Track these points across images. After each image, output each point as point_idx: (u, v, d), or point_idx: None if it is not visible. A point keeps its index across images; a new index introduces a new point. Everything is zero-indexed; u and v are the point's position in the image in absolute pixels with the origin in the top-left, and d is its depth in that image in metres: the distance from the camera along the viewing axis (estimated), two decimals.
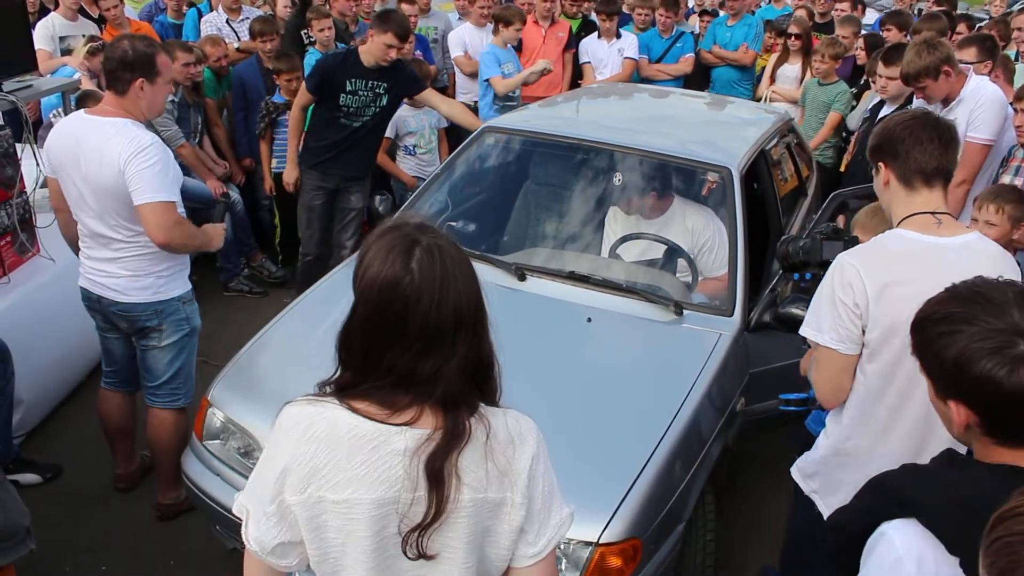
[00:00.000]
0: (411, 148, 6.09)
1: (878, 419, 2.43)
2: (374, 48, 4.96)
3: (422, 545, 1.53)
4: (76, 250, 3.59)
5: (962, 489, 1.43)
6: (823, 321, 2.39)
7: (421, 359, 1.50)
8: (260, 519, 1.60)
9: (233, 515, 3.01)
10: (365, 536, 1.54)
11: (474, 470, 1.54)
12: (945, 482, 1.46)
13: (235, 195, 5.91)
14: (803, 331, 2.47)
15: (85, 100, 4.80)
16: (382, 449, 1.51)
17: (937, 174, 2.37)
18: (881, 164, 2.44)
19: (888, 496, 1.53)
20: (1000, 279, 1.54)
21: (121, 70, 3.26)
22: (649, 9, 7.73)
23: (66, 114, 4.86)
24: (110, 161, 3.21)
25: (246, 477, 3.03)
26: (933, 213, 2.36)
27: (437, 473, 1.50)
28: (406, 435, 1.51)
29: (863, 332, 2.34)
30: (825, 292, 2.38)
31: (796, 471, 2.77)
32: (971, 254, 2.31)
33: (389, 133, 5.84)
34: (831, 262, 2.46)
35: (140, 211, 3.24)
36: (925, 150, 2.35)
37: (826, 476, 2.61)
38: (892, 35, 6.55)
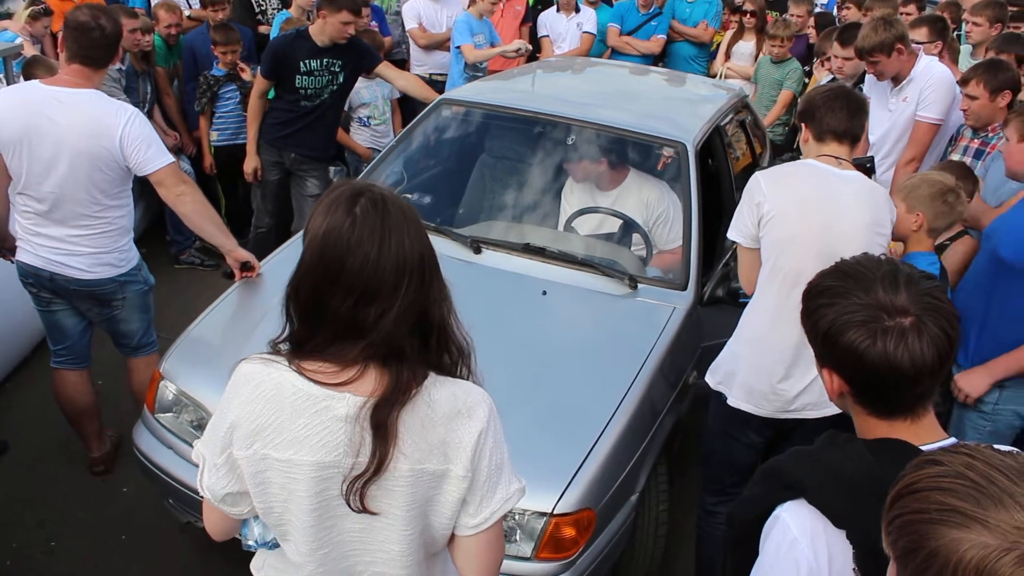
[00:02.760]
0: (365, 119, 6.02)
1: (767, 307, 2.91)
2: (328, 28, 4.88)
3: (363, 498, 1.53)
4: None
5: (843, 465, 1.48)
6: (735, 221, 2.97)
7: (363, 306, 1.50)
8: (212, 469, 1.64)
9: (186, 488, 3.02)
10: (306, 496, 1.56)
11: (416, 435, 1.54)
12: (827, 461, 1.51)
13: (186, 166, 5.81)
14: (729, 232, 3.04)
15: (33, 67, 4.67)
16: (324, 414, 1.53)
17: (845, 135, 2.91)
18: (803, 124, 3.01)
19: (775, 480, 1.57)
20: (883, 256, 1.59)
21: (102, 48, 3.29)
22: None
23: (8, 80, 4.73)
24: (104, 132, 3.23)
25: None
26: (837, 158, 2.90)
27: (380, 425, 1.51)
28: (348, 401, 1.52)
29: (757, 232, 2.88)
30: (742, 200, 2.96)
31: (707, 375, 3.15)
32: (857, 184, 2.87)
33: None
34: None
35: (159, 178, 3.35)
36: (836, 116, 2.89)
37: (728, 367, 3.07)
38: (850, 14, 6.60)
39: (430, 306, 1.57)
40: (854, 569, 1.39)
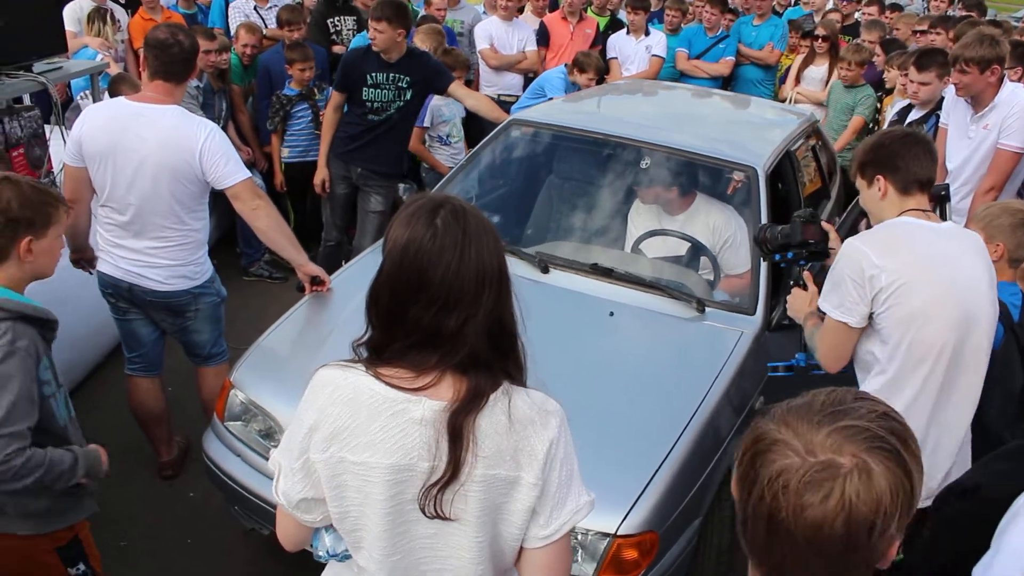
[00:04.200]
0: (445, 137, 6.07)
1: (904, 390, 2.61)
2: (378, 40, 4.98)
3: (439, 503, 1.55)
4: (80, 243, 3.63)
5: None
6: (834, 297, 2.64)
7: (444, 315, 1.54)
8: (288, 474, 1.67)
9: (252, 495, 3.07)
10: (381, 499, 1.58)
11: (489, 441, 1.56)
12: None
13: (259, 180, 5.93)
14: (820, 303, 2.73)
15: (119, 84, 4.84)
16: (400, 417, 1.55)
17: (929, 184, 2.69)
18: (880, 177, 2.68)
19: None
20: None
21: (181, 63, 3.41)
22: (679, 12, 7.72)
23: (95, 97, 4.90)
24: (185, 146, 3.33)
25: (266, 458, 3.08)
26: (924, 210, 2.67)
27: (456, 431, 1.53)
28: (424, 405, 1.54)
29: (870, 309, 2.58)
30: (837, 271, 2.64)
31: None
32: (959, 236, 2.70)
33: (425, 122, 5.85)
34: (810, 242, 2.99)
35: (236, 192, 3.45)
36: (921, 164, 2.65)
37: None
38: (940, 39, 6.48)
39: (505, 315, 1.60)
40: None
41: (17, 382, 2.21)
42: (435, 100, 5.71)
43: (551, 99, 6.01)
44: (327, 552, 1.77)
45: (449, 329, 1.54)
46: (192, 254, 3.57)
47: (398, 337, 1.58)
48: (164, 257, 3.49)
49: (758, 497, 1.12)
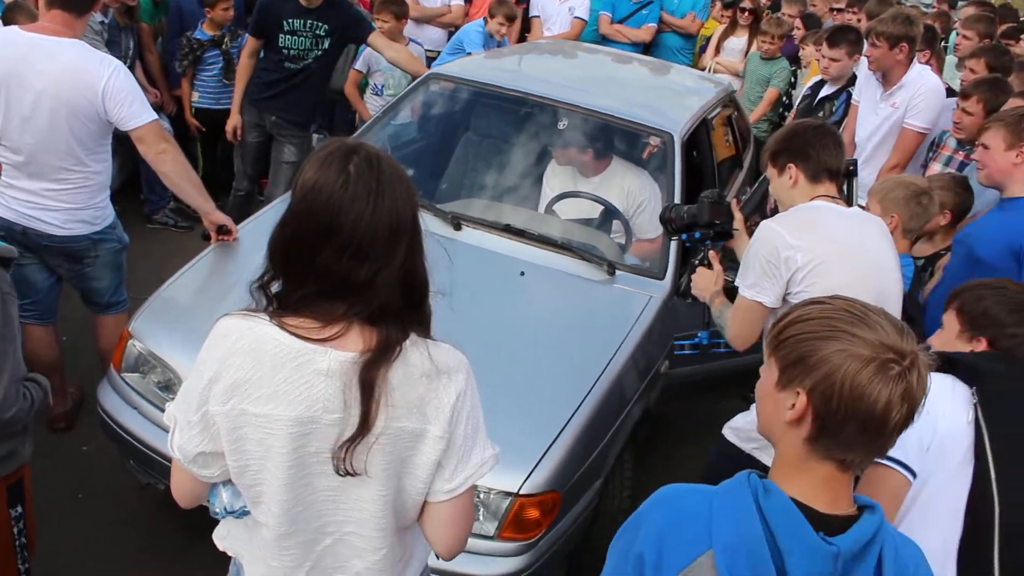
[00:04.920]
0: (379, 88, 5.91)
1: None
2: None
3: (349, 461, 1.53)
4: None
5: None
6: (749, 276, 2.69)
7: (355, 264, 1.50)
8: (185, 427, 1.61)
9: (148, 449, 2.99)
10: (283, 452, 1.54)
11: (398, 394, 1.54)
12: None
13: (166, 124, 5.71)
14: (738, 283, 2.77)
15: (13, 13, 4.56)
16: (305, 368, 1.51)
17: (838, 173, 2.77)
18: (792, 165, 2.75)
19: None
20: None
21: None
22: None
23: None
24: (87, 82, 3.17)
25: (164, 411, 3.00)
26: (832, 197, 2.74)
27: (368, 384, 1.50)
28: (330, 356, 1.51)
29: (785, 289, 2.64)
30: (753, 253, 2.69)
31: (731, 432, 2.95)
32: (867, 220, 2.79)
33: (361, 67, 5.70)
34: (716, 223, 3.06)
35: (141, 134, 3.29)
36: (831, 153, 2.74)
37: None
38: (855, 18, 6.57)
39: (417, 267, 1.57)
40: (973, 395, 2.02)
41: (13, 328, 2.29)
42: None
43: (470, 54, 5.96)
44: (224, 509, 1.71)
45: (360, 279, 1.50)
46: (92, 198, 3.41)
47: (303, 284, 1.53)
48: (62, 200, 3.33)
49: (834, 382, 1.31)
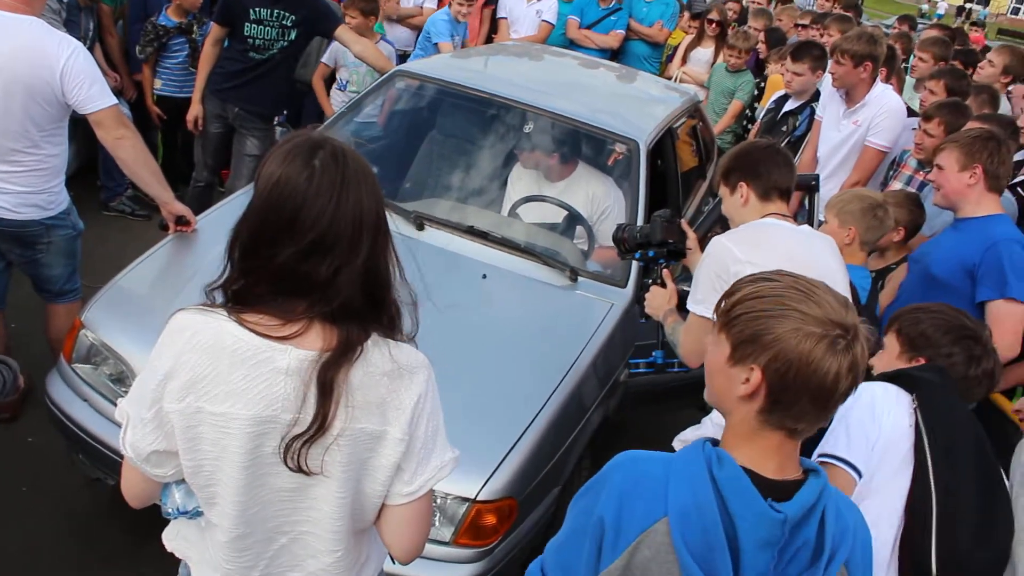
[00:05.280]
0: (342, 83, 5.86)
1: None
2: None
3: (302, 457, 1.50)
4: None
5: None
6: (699, 293, 2.66)
7: (316, 260, 1.47)
8: (138, 424, 1.56)
9: (98, 443, 2.92)
10: (239, 452, 1.51)
11: (358, 395, 1.52)
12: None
13: (126, 110, 5.60)
14: (688, 303, 2.75)
15: None
16: (265, 366, 1.48)
17: (788, 192, 2.80)
18: (743, 184, 2.78)
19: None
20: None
21: None
22: None
23: None
24: (44, 63, 3.08)
25: (115, 404, 2.93)
26: (782, 215, 2.77)
27: (327, 384, 1.48)
28: (290, 354, 1.48)
29: None
30: (703, 269, 2.68)
31: (680, 444, 2.92)
32: (817, 237, 2.83)
33: (327, 60, 5.63)
34: (669, 242, 3.07)
35: (99, 118, 3.21)
36: (781, 172, 2.76)
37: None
38: (818, 35, 6.66)
39: (380, 265, 1.54)
40: (913, 402, 2.17)
41: None
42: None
43: (437, 44, 5.97)
44: (176, 509, 1.67)
45: (321, 276, 1.47)
46: (47, 182, 3.32)
47: (262, 280, 1.50)
48: (14, 183, 3.24)
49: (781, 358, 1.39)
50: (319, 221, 1.46)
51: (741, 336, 1.44)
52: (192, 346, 1.49)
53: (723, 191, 2.88)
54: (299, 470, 1.52)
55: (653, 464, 1.48)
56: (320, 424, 1.49)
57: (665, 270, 3.11)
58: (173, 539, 1.79)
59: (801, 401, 1.41)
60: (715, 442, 1.49)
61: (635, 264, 3.68)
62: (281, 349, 1.48)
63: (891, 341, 2.44)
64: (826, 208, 3.51)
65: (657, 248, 3.12)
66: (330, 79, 5.96)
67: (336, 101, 5.89)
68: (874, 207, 3.41)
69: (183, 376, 1.50)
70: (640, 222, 3.79)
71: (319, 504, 1.59)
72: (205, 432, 1.51)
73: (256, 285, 1.51)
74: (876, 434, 2.12)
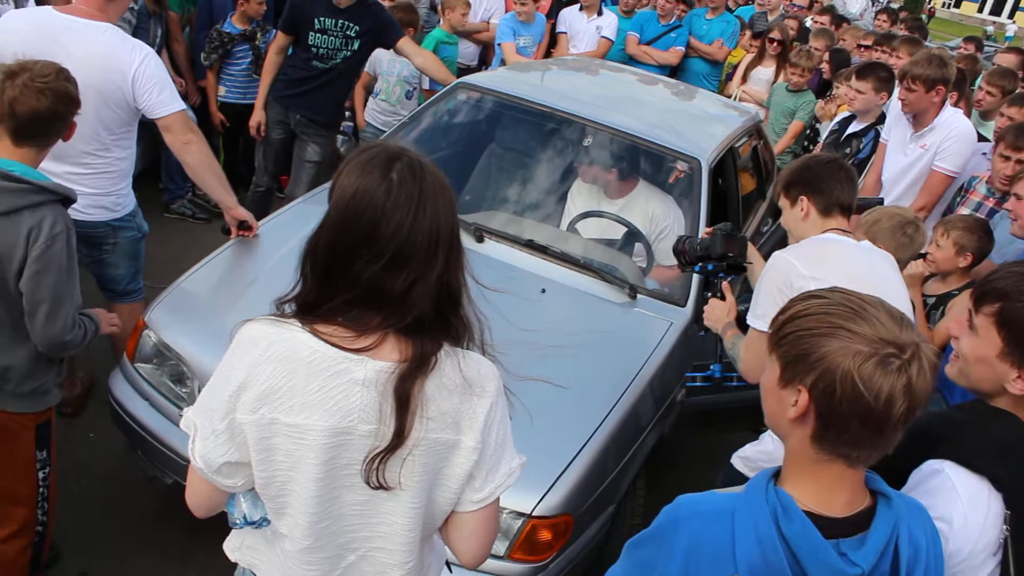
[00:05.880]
0: (377, 92, 5.93)
1: None
2: None
3: (381, 474, 1.50)
4: None
5: (1006, 435, 1.70)
6: (759, 307, 2.61)
7: (392, 274, 1.46)
8: (208, 436, 1.55)
9: (157, 442, 2.95)
10: (313, 463, 1.50)
11: (433, 406, 1.51)
12: (993, 430, 1.71)
13: (190, 115, 5.68)
14: (748, 318, 2.70)
15: None
16: (341, 377, 1.47)
17: (850, 209, 2.76)
18: (804, 198, 2.74)
19: (923, 440, 1.68)
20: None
21: None
22: None
23: (17, 3, 4.61)
24: (117, 68, 3.16)
25: (175, 404, 2.97)
26: (844, 231, 2.72)
27: (404, 396, 1.47)
28: (367, 365, 1.47)
29: None
30: (765, 283, 2.63)
31: (740, 461, 2.89)
32: (878, 253, 2.77)
33: (368, 68, 5.70)
34: (729, 255, 3.03)
35: (168, 123, 3.29)
36: (843, 188, 2.72)
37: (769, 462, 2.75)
38: (883, 56, 6.54)
39: (453, 279, 1.53)
40: (1005, 528, 1.64)
41: (75, 262, 2.53)
42: (379, 51, 5.54)
43: (500, 45, 6.18)
44: (244, 518, 1.65)
45: (396, 289, 1.46)
46: (114, 184, 3.39)
47: (337, 292, 1.49)
48: (84, 185, 3.30)
49: (830, 380, 1.31)
50: (396, 235, 1.45)
51: (788, 356, 1.40)
52: (267, 357, 1.48)
53: (783, 203, 2.85)
54: (379, 486, 1.51)
55: (717, 519, 1.41)
56: (398, 436, 1.48)
57: (725, 283, 3.07)
58: (237, 549, 1.78)
59: (852, 425, 1.33)
60: (777, 472, 1.43)
61: (694, 283, 3.65)
62: (357, 360, 1.47)
63: (987, 329, 1.78)
64: (857, 228, 3.43)
65: (717, 261, 3.09)
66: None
67: (368, 109, 5.97)
68: (903, 224, 3.34)
69: (257, 387, 1.49)
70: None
71: (391, 517, 1.58)
72: (279, 443, 1.51)
73: (330, 298, 1.49)
74: (968, 548, 1.66)
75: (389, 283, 1.46)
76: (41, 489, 2.72)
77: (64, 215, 2.51)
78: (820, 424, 1.36)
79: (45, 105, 2.47)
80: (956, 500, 1.63)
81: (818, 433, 1.37)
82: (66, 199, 2.54)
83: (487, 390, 1.57)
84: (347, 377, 1.47)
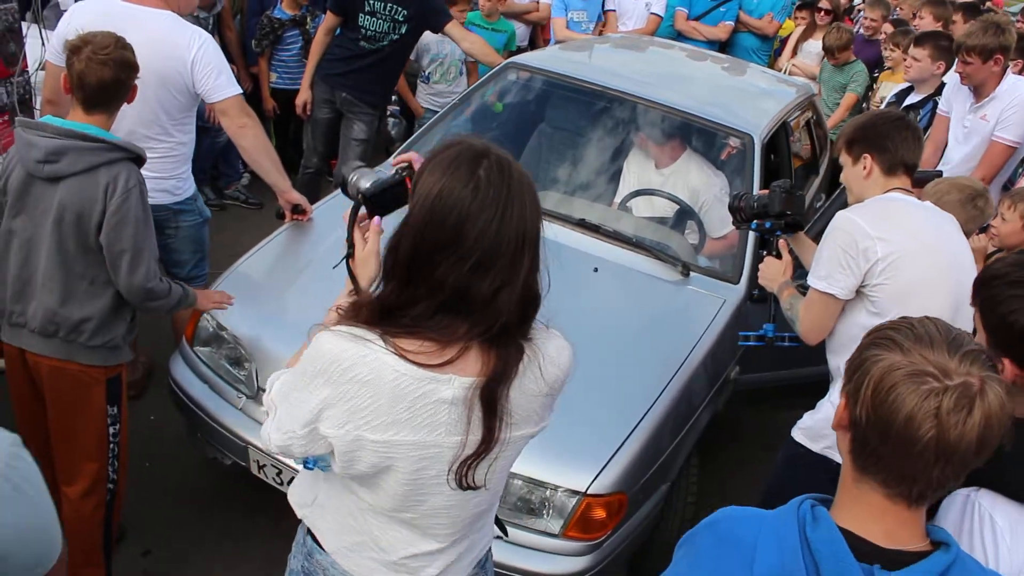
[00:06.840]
0: (425, 75, 5.94)
1: None
2: None
3: (471, 477, 1.52)
4: None
5: None
6: (822, 268, 2.57)
7: (477, 277, 1.41)
8: (287, 433, 1.54)
9: (216, 423, 3.00)
10: (401, 471, 1.51)
11: (520, 409, 1.52)
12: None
13: None
14: (810, 279, 2.64)
15: None
16: (428, 398, 1.44)
17: (914, 168, 2.68)
18: (868, 155, 2.65)
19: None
20: None
21: None
22: None
23: None
24: (177, 54, 3.22)
25: (233, 386, 3.02)
26: (907, 190, 2.65)
27: (491, 407, 1.46)
28: (454, 384, 1.44)
29: (860, 281, 2.53)
30: (828, 244, 2.57)
31: (801, 434, 2.79)
32: (943, 214, 2.71)
33: (411, 55, 5.70)
34: (787, 213, 2.95)
35: (225, 107, 3.35)
36: (909, 146, 2.64)
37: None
38: (925, 23, 6.41)
39: (534, 281, 1.49)
40: None
41: (150, 216, 2.66)
42: (426, 35, 5.54)
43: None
44: (313, 460, 1.63)
45: (482, 294, 1.41)
46: (175, 168, 3.45)
47: (420, 296, 1.44)
48: (146, 169, 3.35)
49: (902, 419, 1.20)
50: (484, 235, 1.40)
51: (848, 366, 1.33)
52: (349, 379, 1.44)
53: (845, 160, 2.75)
54: (468, 488, 1.53)
55: (747, 524, 1.35)
56: (487, 444, 1.49)
57: (781, 241, 3.03)
58: (307, 506, 1.73)
59: (871, 438, 1.24)
60: (815, 501, 1.33)
61: (747, 261, 3.61)
62: (444, 380, 1.44)
63: (978, 321, 1.87)
64: (923, 197, 3.35)
65: (775, 219, 3.03)
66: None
67: (421, 94, 5.95)
68: (973, 197, 3.27)
69: (342, 406, 1.46)
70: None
71: (473, 511, 1.63)
72: (365, 456, 1.49)
73: (414, 303, 1.45)
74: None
75: (475, 287, 1.41)
76: (112, 446, 2.82)
77: (136, 171, 2.64)
78: (851, 436, 1.30)
79: (109, 75, 2.58)
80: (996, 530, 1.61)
81: (854, 448, 1.29)
82: (138, 158, 2.67)
83: (563, 379, 1.60)
84: (434, 397, 1.44)
